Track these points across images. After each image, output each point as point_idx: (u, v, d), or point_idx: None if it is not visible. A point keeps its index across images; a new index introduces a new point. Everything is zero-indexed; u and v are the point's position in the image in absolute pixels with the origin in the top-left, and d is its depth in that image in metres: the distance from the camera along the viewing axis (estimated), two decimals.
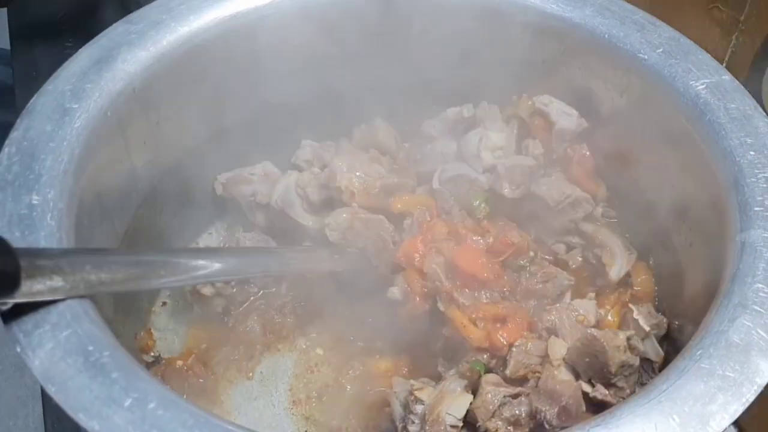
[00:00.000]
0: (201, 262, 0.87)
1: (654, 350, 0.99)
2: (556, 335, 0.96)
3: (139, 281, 0.81)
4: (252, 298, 1.14)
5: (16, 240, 0.73)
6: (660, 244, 1.06)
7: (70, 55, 0.94)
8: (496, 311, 0.98)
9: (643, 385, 0.97)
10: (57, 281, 0.67)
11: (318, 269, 1.10)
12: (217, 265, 0.89)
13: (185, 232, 1.19)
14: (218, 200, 1.20)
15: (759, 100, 1.03)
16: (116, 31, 0.98)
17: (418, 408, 0.93)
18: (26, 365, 0.66)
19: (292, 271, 1.11)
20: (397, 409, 0.95)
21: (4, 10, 1.69)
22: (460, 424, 0.90)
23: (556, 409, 0.89)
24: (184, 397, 0.70)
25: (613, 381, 0.91)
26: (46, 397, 1.10)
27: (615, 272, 1.09)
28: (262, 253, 1.08)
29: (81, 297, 0.71)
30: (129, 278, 0.78)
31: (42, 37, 1.57)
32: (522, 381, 0.94)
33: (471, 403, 0.91)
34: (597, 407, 0.90)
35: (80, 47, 0.96)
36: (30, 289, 0.65)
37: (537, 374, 0.93)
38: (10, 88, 1.51)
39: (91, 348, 0.66)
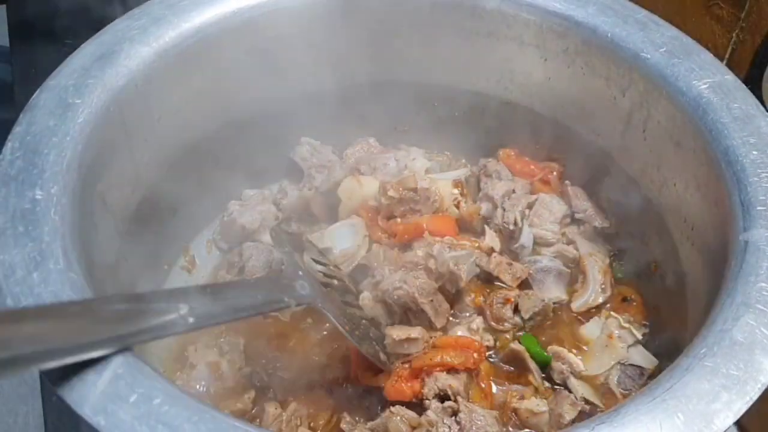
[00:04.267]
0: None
1: (644, 357, 1.02)
2: None
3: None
4: None
5: (20, 235, 0.73)
6: (661, 244, 1.06)
7: (69, 52, 0.94)
8: None
9: (626, 390, 1.00)
10: None
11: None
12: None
13: (185, 229, 1.19)
14: (218, 199, 1.20)
15: (759, 98, 1.03)
16: (118, 27, 0.98)
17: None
18: None
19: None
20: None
21: (3, 6, 1.69)
22: None
23: None
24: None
25: None
26: (46, 395, 1.09)
27: (576, 304, 1.10)
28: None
29: None
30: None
31: (41, 34, 1.57)
32: None
33: None
34: None
35: (80, 44, 0.95)
36: None
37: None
38: (10, 86, 1.51)
39: None
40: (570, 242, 1.16)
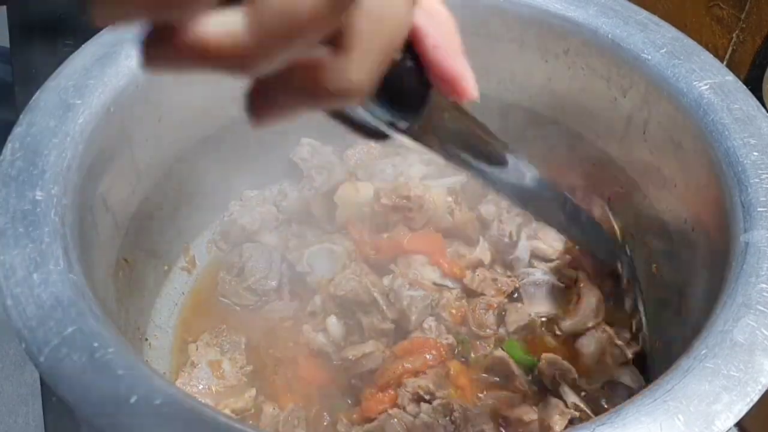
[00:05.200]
0: None
1: (633, 377, 1.00)
2: None
3: None
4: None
5: (20, 235, 0.73)
6: (661, 245, 1.06)
7: (69, 52, 0.94)
8: None
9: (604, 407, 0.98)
10: None
11: None
12: None
13: (185, 230, 1.18)
14: (218, 199, 1.20)
15: (760, 99, 1.03)
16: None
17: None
18: (26, 363, 0.66)
19: None
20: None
21: (4, 7, 1.68)
22: None
23: None
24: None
25: None
26: (46, 395, 1.09)
27: (564, 325, 1.08)
28: None
29: None
30: None
31: (42, 35, 1.56)
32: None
33: None
34: None
35: (80, 45, 0.95)
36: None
37: None
38: (10, 86, 1.51)
39: (96, 344, 0.66)
40: (572, 260, 1.13)
